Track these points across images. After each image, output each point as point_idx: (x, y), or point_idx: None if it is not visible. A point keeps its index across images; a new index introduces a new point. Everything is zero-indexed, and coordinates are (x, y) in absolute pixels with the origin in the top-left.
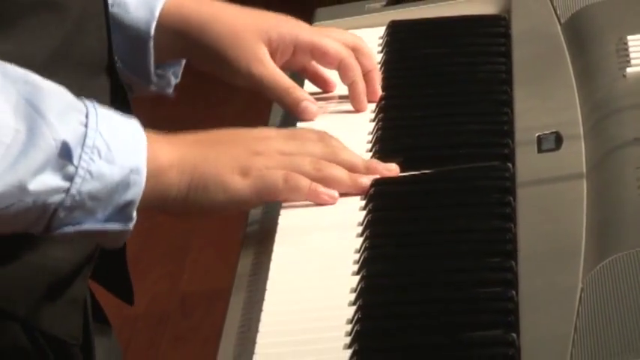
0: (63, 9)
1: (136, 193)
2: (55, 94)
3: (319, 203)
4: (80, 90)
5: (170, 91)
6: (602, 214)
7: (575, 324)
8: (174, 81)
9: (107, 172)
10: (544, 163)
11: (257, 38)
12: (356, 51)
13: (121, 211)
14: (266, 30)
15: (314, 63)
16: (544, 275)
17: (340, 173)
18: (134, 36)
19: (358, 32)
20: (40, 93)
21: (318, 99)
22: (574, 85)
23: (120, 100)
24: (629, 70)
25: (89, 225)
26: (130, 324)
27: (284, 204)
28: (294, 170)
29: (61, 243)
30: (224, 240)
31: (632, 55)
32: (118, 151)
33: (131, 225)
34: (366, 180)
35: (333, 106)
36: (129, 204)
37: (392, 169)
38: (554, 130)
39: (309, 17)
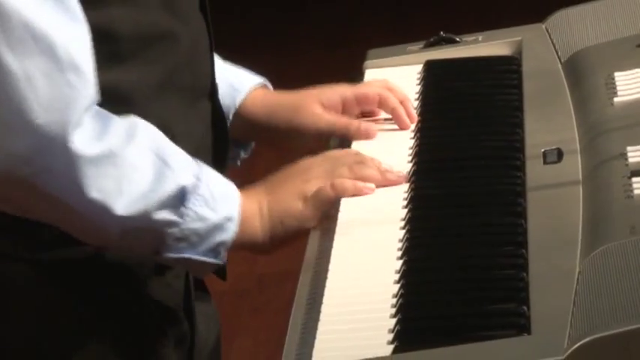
0: (176, 42)
1: (228, 236)
2: (177, 152)
3: (361, 194)
4: (185, 113)
5: (238, 163)
6: (595, 212)
7: (573, 300)
8: (243, 155)
9: (209, 216)
10: (548, 173)
11: (313, 103)
12: (387, 89)
13: (214, 249)
14: (317, 95)
15: (359, 109)
16: (549, 261)
17: (372, 171)
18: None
19: (400, 69)
20: (166, 150)
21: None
22: (572, 111)
23: (219, 124)
24: (615, 99)
25: (189, 254)
26: (217, 298)
27: (343, 201)
28: (336, 178)
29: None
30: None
31: (618, 88)
32: (219, 201)
33: (220, 262)
34: (392, 175)
35: (381, 127)
36: (221, 244)
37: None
38: (556, 147)
39: (363, 57)
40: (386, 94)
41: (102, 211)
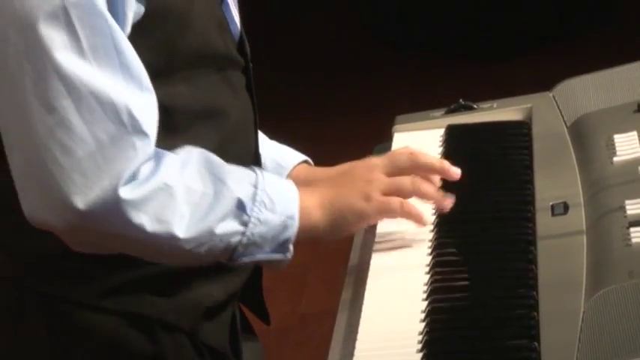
0: (225, 115)
1: (291, 232)
2: (231, 168)
3: (419, 224)
4: None
5: None
6: (598, 259)
7: (579, 336)
8: None
9: (271, 218)
10: (556, 224)
11: None
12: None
13: (282, 246)
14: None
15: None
16: (557, 302)
17: (431, 190)
18: None
19: (425, 133)
20: (220, 168)
21: None
22: (576, 169)
23: None
24: (615, 159)
25: (260, 256)
26: (264, 336)
27: (375, 250)
28: (399, 189)
29: (216, 284)
30: (331, 274)
31: (617, 149)
32: (278, 203)
33: (289, 255)
34: (447, 199)
35: None
36: (287, 240)
37: (458, 172)
38: (562, 201)
39: (392, 122)
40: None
41: (167, 237)
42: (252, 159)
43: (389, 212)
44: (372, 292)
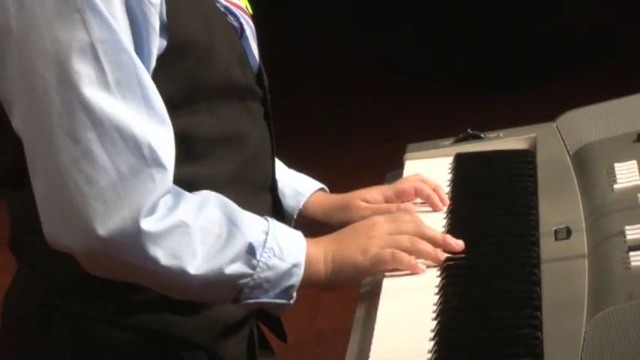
0: (244, 142)
1: (296, 280)
2: (246, 215)
3: (413, 272)
4: (249, 204)
5: None
6: (599, 281)
7: (580, 355)
8: None
9: (278, 265)
10: (559, 248)
11: (359, 201)
12: (421, 181)
13: (286, 292)
14: (362, 194)
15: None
16: (559, 322)
17: (428, 248)
18: (285, 215)
19: (434, 160)
20: (236, 213)
21: None
22: (579, 196)
23: (279, 215)
24: (615, 186)
25: (264, 299)
26: (281, 352)
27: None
28: (397, 246)
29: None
30: (345, 293)
31: (617, 177)
32: (286, 251)
33: (292, 301)
34: (443, 255)
35: (419, 209)
36: (291, 287)
37: (460, 245)
38: (565, 226)
39: (403, 150)
40: (420, 185)
41: (179, 272)
42: (268, 184)
43: (382, 264)
44: (384, 311)
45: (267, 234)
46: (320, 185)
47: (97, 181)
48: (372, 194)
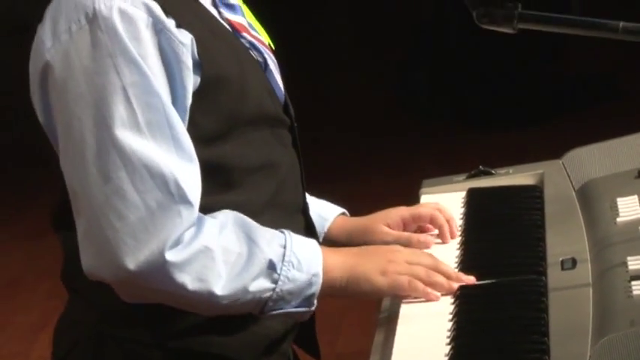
0: (276, 168)
1: (316, 288)
2: (263, 230)
3: (428, 300)
4: (283, 226)
5: None
6: (602, 309)
7: None
8: None
9: (298, 277)
10: (565, 277)
11: (380, 225)
12: (438, 210)
13: (307, 300)
14: (383, 218)
15: (416, 226)
16: (565, 347)
17: (442, 280)
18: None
19: (448, 195)
20: (254, 230)
21: None
22: (583, 229)
23: (312, 234)
24: (618, 219)
25: (288, 309)
26: None
27: (404, 300)
28: (414, 275)
29: (277, 318)
30: (365, 318)
31: (620, 210)
32: (304, 263)
33: (313, 308)
34: (456, 286)
35: (435, 240)
36: (312, 295)
37: (471, 279)
38: (571, 257)
39: (419, 185)
40: (436, 214)
41: (206, 294)
42: (300, 207)
43: (398, 288)
44: (402, 336)
45: (284, 247)
46: (342, 210)
47: (128, 216)
48: (393, 218)
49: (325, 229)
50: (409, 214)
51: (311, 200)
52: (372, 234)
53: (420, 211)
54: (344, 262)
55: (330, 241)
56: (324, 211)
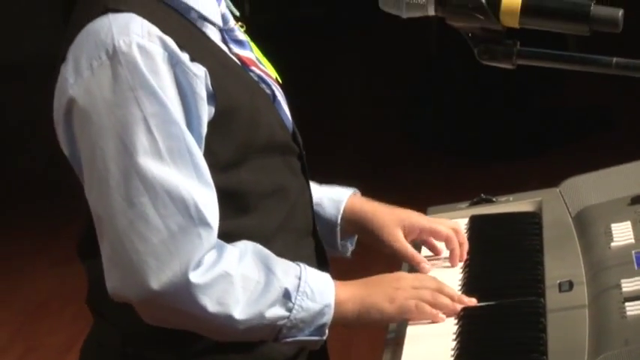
0: (287, 193)
1: (327, 319)
2: (280, 261)
3: (434, 321)
4: (295, 249)
5: (349, 254)
6: (598, 329)
7: None
8: (351, 248)
9: (311, 307)
10: (562, 299)
11: (396, 226)
12: (455, 231)
13: (319, 329)
14: (402, 220)
15: (431, 238)
16: None
17: (447, 302)
18: (328, 224)
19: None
20: (271, 260)
21: (429, 258)
22: (580, 253)
23: (321, 256)
24: (612, 244)
25: (300, 337)
26: None
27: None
28: (420, 298)
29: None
30: (374, 337)
31: (614, 236)
32: (317, 294)
33: (325, 337)
34: (460, 308)
35: (439, 263)
36: (323, 325)
37: (473, 301)
38: (568, 279)
39: (424, 212)
40: (452, 235)
41: (225, 318)
42: (310, 230)
43: (406, 313)
44: (408, 355)
45: (299, 278)
46: (352, 190)
47: (150, 239)
48: (413, 223)
49: (341, 210)
50: (428, 228)
51: (321, 188)
52: (385, 231)
53: (439, 228)
54: (354, 294)
55: (347, 221)
56: (336, 195)
